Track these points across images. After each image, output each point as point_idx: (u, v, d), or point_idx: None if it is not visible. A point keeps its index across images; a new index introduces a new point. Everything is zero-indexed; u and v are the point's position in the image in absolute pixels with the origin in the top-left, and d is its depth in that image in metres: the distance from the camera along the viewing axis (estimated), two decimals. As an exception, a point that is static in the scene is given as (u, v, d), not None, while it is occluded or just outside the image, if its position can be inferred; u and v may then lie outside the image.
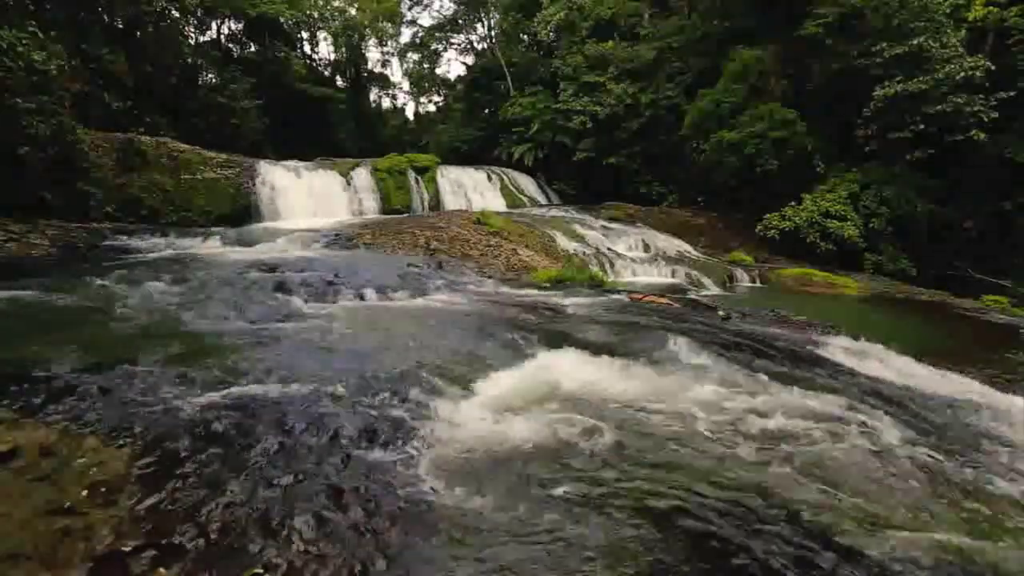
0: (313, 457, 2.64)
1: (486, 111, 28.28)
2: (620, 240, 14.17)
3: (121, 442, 2.62)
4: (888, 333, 6.80)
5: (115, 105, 15.29)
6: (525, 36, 29.22)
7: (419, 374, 3.77)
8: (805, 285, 12.15)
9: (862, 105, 14.60)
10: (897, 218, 14.21)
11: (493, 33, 31.27)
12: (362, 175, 16.82)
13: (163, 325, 4.80)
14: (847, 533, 2.32)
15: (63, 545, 1.96)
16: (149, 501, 2.23)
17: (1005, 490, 2.81)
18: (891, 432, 3.35)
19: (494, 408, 3.37)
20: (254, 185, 14.04)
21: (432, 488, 2.48)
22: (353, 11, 34.62)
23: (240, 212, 13.50)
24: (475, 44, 33.57)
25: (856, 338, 5.97)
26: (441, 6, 44.90)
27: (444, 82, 39.32)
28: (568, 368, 4.06)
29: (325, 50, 39.37)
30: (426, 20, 40.15)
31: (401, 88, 42.21)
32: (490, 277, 8.74)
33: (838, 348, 5.47)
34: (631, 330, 5.49)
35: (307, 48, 34.18)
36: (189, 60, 21.43)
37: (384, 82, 40.78)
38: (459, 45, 34.58)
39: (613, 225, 15.52)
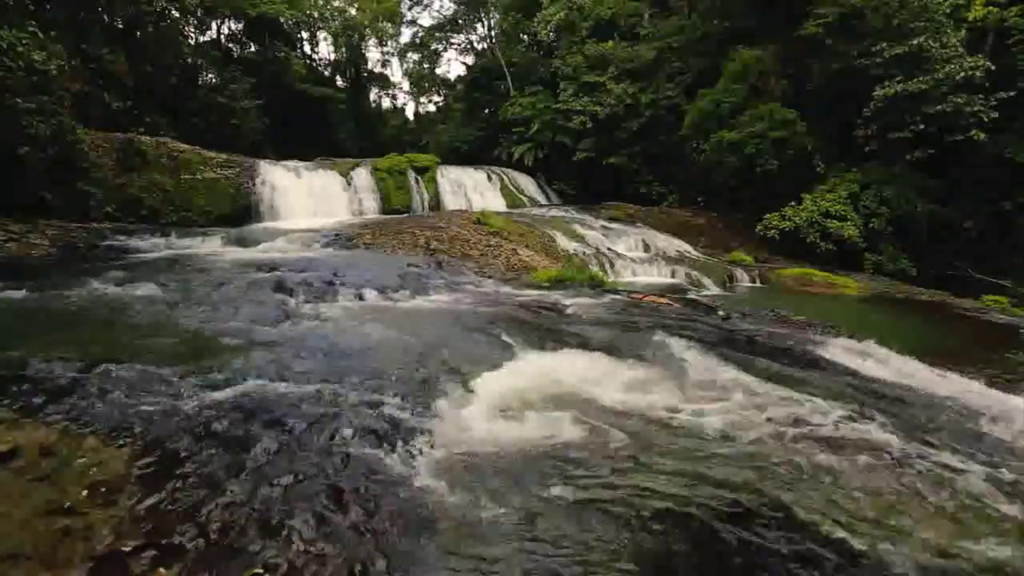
0: (313, 457, 2.64)
1: (486, 111, 28.28)
2: (620, 240, 14.17)
3: (121, 442, 2.62)
4: (888, 333, 6.80)
5: (115, 105, 15.30)
6: (525, 36, 29.21)
7: (419, 374, 3.77)
8: (805, 285, 12.15)
9: (862, 105, 14.59)
10: (897, 218, 14.21)
11: (493, 33, 31.28)
12: (362, 175, 16.82)
13: (163, 325, 4.80)
14: (847, 533, 2.32)
15: (63, 545, 1.96)
16: (149, 501, 2.23)
17: (1005, 490, 2.80)
18: (891, 432, 3.34)
19: (494, 408, 3.37)
20: (254, 185, 14.04)
21: (432, 488, 2.48)
22: (353, 11, 34.62)
23: (240, 212, 13.50)
24: (475, 44, 33.61)
25: (856, 338, 5.97)
26: (441, 6, 44.88)
27: (444, 82, 39.34)
28: (568, 368, 4.06)
29: (325, 50, 39.40)
30: (426, 20, 40.18)
31: (401, 88, 42.27)
32: (490, 277, 8.74)
33: (838, 348, 5.47)
34: (631, 330, 5.49)
35: (307, 48, 34.22)
36: (189, 60, 21.43)
37: (384, 82, 40.80)
38: (459, 45, 34.61)
39: (613, 225, 15.52)
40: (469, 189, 18.91)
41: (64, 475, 2.33)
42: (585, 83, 21.83)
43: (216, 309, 5.39)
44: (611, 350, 4.59)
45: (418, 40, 35.33)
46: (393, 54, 39.27)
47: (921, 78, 13.63)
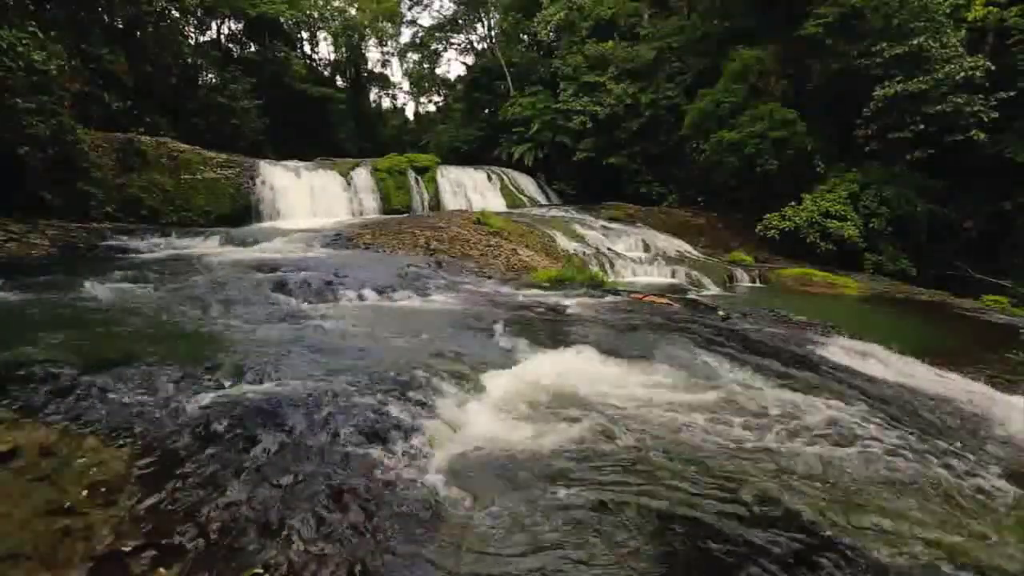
0: (313, 457, 2.64)
1: (486, 111, 28.28)
2: (620, 240, 14.17)
3: (121, 442, 2.62)
4: (888, 333, 6.80)
5: (115, 105, 15.29)
6: (525, 36, 29.22)
7: (419, 374, 3.77)
8: (805, 285, 12.15)
9: (862, 105, 14.60)
10: (897, 218, 14.21)
11: (493, 33, 31.28)
12: (362, 175, 16.83)
13: (163, 325, 4.79)
14: (848, 534, 2.32)
15: (63, 545, 1.96)
16: (149, 501, 2.23)
17: (1005, 491, 2.80)
18: (891, 432, 3.34)
19: (494, 408, 3.37)
20: (254, 185, 14.05)
21: (433, 488, 2.48)
22: (353, 11, 34.63)
23: (240, 212, 13.50)
24: (475, 44, 33.62)
25: (856, 338, 5.97)
26: (441, 6, 44.90)
27: (444, 82, 39.35)
28: (568, 368, 4.07)
29: (325, 50, 39.42)
30: (426, 20, 40.20)
31: (401, 88, 42.28)
32: (490, 277, 8.74)
33: (838, 348, 5.47)
34: (631, 330, 5.49)
35: (307, 48, 34.23)
36: (189, 60, 21.44)
37: (384, 82, 40.81)
38: (459, 45, 34.62)
39: (613, 225, 15.52)
40: (469, 189, 18.91)
41: (64, 475, 2.33)
42: (585, 83, 21.83)
43: (216, 309, 5.39)
44: (611, 350, 4.58)
45: (418, 40, 35.35)
46: (393, 54, 39.33)
47: (921, 78, 13.64)
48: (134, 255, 8.72)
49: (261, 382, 3.46)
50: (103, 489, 2.27)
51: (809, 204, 14.49)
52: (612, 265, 12.05)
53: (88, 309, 5.10)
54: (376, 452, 2.73)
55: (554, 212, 17.21)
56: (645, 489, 2.56)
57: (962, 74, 13.41)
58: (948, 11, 14.22)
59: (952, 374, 5.15)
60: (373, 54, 39.43)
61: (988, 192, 14.80)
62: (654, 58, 20.40)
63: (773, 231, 14.83)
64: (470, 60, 33.36)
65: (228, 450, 2.64)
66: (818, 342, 5.67)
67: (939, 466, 2.97)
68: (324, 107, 29.58)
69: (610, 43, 21.87)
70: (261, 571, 1.91)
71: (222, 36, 26.76)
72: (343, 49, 34.91)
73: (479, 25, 32.06)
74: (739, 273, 12.72)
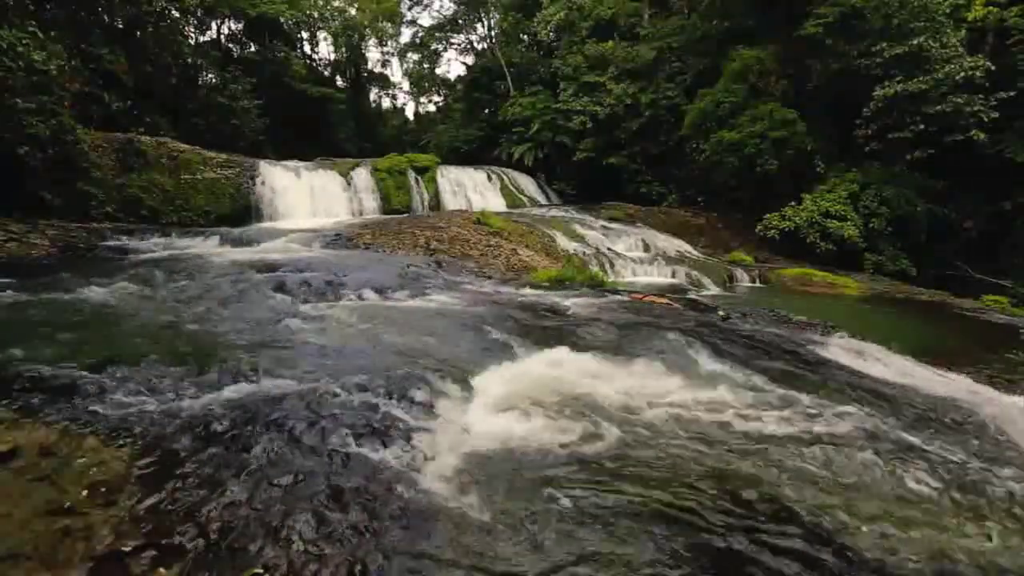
0: (313, 457, 2.64)
1: (486, 111, 28.29)
2: (620, 240, 14.18)
3: (121, 442, 2.62)
4: (888, 333, 6.80)
5: (115, 105, 15.30)
6: (525, 36, 29.23)
7: (419, 374, 3.77)
8: (805, 285, 12.15)
9: (862, 105, 14.60)
10: (897, 218, 14.21)
11: (493, 33, 31.28)
12: (362, 175, 16.83)
13: (163, 325, 4.79)
14: (847, 533, 2.32)
15: (63, 545, 1.96)
16: (149, 501, 2.23)
17: (1005, 491, 2.80)
18: (891, 432, 3.35)
19: (494, 408, 3.37)
20: (254, 185, 14.05)
21: (433, 488, 2.48)
22: (353, 11, 34.66)
23: (240, 212, 13.51)
24: (475, 44, 33.61)
25: (856, 338, 5.97)
26: (441, 6, 44.97)
27: (444, 82, 39.36)
28: (568, 368, 4.06)
29: (325, 50, 39.45)
30: (426, 20, 40.19)
31: (401, 88, 42.31)
32: (490, 277, 8.74)
33: (838, 348, 5.47)
34: (631, 330, 5.49)
35: (307, 48, 34.25)
36: (189, 60, 21.43)
37: (384, 82, 40.83)
38: (459, 45, 34.61)
39: (613, 225, 15.52)
40: (469, 189, 18.92)
41: (64, 475, 2.33)
42: (585, 83, 21.84)
43: (216, 309, 5.39)
44: (611, 350, 4.59)
45: (418, 40, 35.35)
46: (393, 54, 39.37)
47: (921, 78, 13.64)
48: (134, 255, 8.72)
49: (261, 382, 3.46)
50: (103, 489, 2.27)
51: (809, 204, 14.49)
52: (612, 265, 12.06)
53: (88, 309, 5.10)
54: (376, 452, 2.73)
55: (554, 212, 17.21)
56: (645, 488, 2.56)
57: (962, 74, 13.41)
58: (948, 11, 14.22)
59: (952, 374, 5.14)
60: (373, 54, 39.53)
61: (988, 192, 14.81)
62: (654, 58, 20.40)
63: (773, 231, 14.83)
64: (470, 60, 33.40)
65: (228, 450, 2.64)
66: (818, 342, 5.67)
67: (940, 466, 2.97)
68: (324, 107, 29.59)
69: (610, 43, 21.87)
70: (261, 571, 1.91)
71: (222, 36, 26.77)
72: (343, 49, 34.93)
73: (479, 25, 32.08)
74: (739, 273, 12.72)
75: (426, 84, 40.08)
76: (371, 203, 16.39)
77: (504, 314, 5.85)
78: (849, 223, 13.97)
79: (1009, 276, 13.94)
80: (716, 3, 18.83)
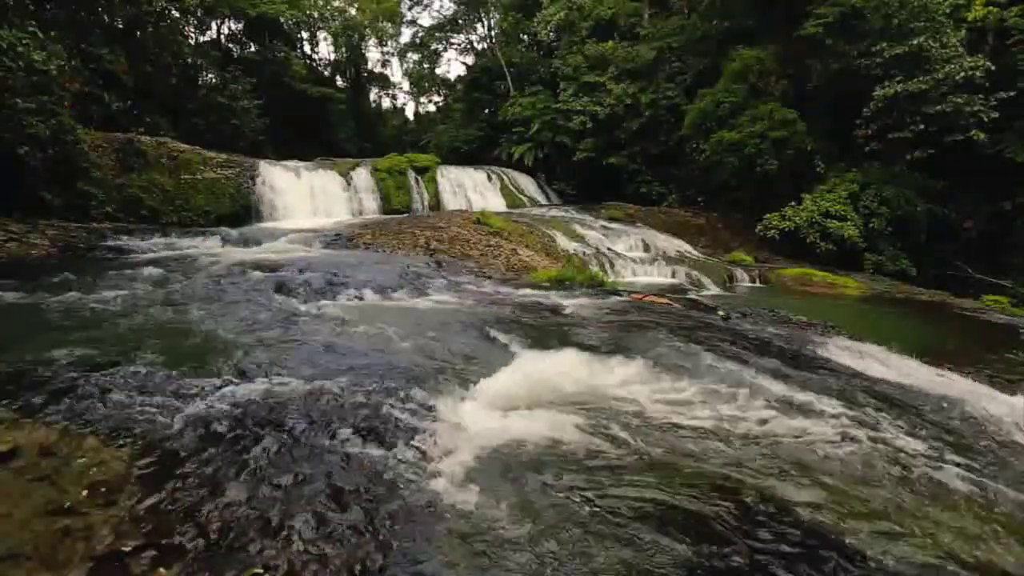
0: (313, 457, 2.64)
1: (486, 111, 28.29)
2: (620, 240, 14.18)
3: (121, 442, 2.62)
4: (888, 333, 6.80)
5: (115, 105, 15.30)
6: (525, 36, 29.23)
7: (419, 373, 3.77)
8: (805, 285, 12.15)
9: (862, 105, 14.61)
10: (897, 218, 14.22)
11: (493, 33, 31.28)
12: (362, 175, 16.83)
13: (163, 325, 4.80)
14: (847, 533, 2.32)
15: (63, 545, 1.95)
16: (149, 501, 2.22)
17: (1004, 491, 2.80)
18: (891, 432, 3.35)
19: (494, 408, 3.37)
20: (254, 185, 14.05)
21: (433, 488, 2.48)
22: (353, 11, 34.66)
23: (240, 212, 13.51)
24: (475, 44, 33.61)
25: (856, 338, 5.97)
26: (441, 6, 45.01)
27: (444, 82, 39.35)
28: (568, 368, 4.06)
29: (325, 50, 39.46)
30: (426, 20, 40.22)
31: (401, 88, 42.31)
32: (490, 277, 8.74)
33: (838, 348, 5.47)
34: (631, 330, 5.49)
35: (307, 48, 34.25)
36: (189, 60, 21.43)
37: (384, 82, 40.83)
38: (459, 45, 34.61)
39: (613, 225, 15.53)
40: (469, 189, 18.92)
41: (64, 475, 2.33)
42: (585, 83, 21.84)
43: (216, 309, 5.39)
44: (611, 350, 4.58)
45: (418, 40, 35.35)
46: (393, 54, 39.37)
47: (921, 78, 13.64)
48: (134, 255, 8.72)
49: (261, 382, 3.46)
50: (103, 489, 2.27)
51: (809, 204, 14.49)
52: (612, 265, 12.06)
53: (88, 309, 5.10)
54: (376, 451, 2.73)
55: (554, 212, 17.22)
56: (644, 487, 2.56)
57: (962, 74, 13.42)
58: (948, 11, 14.22)
59: (952, 374, 5.15)
60: (373, 54, 39.54)
61: (988, 192, 14.81)
62: (654, 58, 20.40)
63: (773, 231, 14.83)
64: (470, 60, 33.39)
65: (228, 450, 2.64)
66: (818, 342, 5.67)
67: (939, 466, 2.97)
68: (324, 107, 29.59)
69: (610, 43, 21.87)
70: (261, 571, 1.91)
71: (222, 36, 26.77)
72: (343, 49, 34.93)
73: (479, 25, 32.08)
74: (739, 273, 12.72)
75: (426, 84, 40.08)
76: (371, 203, 16.40)
77: (504, 314, 5.85)
78: (849, 223, 13.97)
79: (1009, 276, 13.95)
80: (716, 3, 18.84)
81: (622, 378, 3.98)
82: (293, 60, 29.06)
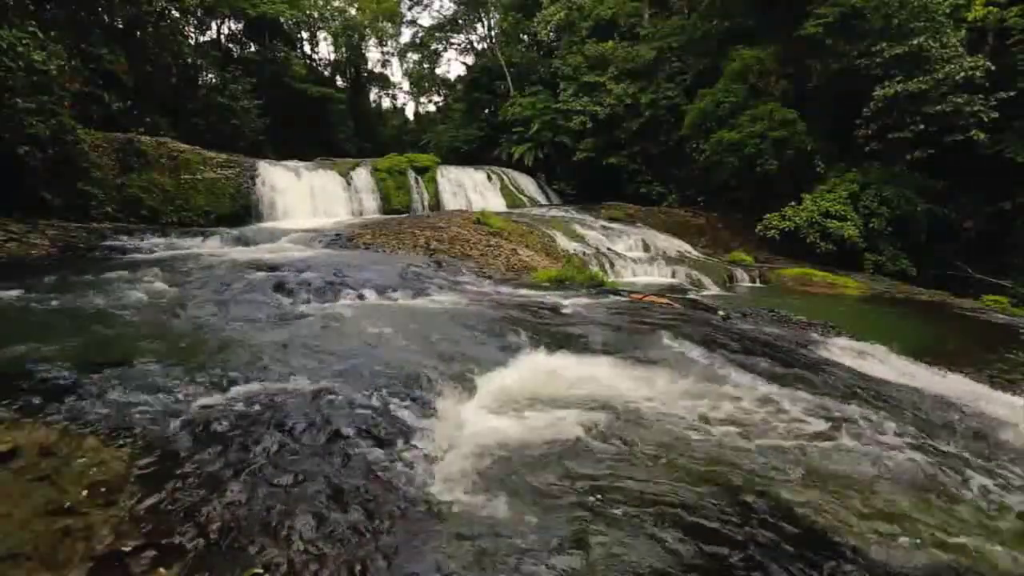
0: (313, 457, 2.64)
1: (486, 111, 28.30)
2: (620, 240, 14.18)
3: (121, 442, 2.62)
4: (888, 333, 6.80)
5: (115, 105, 15.31)
6: (525, 36, 29.24)
7: (419, 373, 3.77)
8: (805, 285, 12.15)
9: (862, 105, 14.60)
10: (897, 218, 14.22)
11: (493, 33, 31.29)
12: (362, 175, 16.84)
13: (163, 325, 4.80)
14: (847, 533, 2.32)
15: (63, 545, 1.96)
16: (149, 501, 2.22)
17: (1005, 491, 2.80)
18: (891, 433, 3.34)
19: (494, 408, 3.37)
20: (254, 185, 14.06)
21: (433, 488, 2.48)
22: (353, 11, 34.68)
23: (240, 212, 13.51)
24: (475, 44, 33.62)
25: (856, 338, 5.97)
26: (441, 6, 45.01)
27: (444, 82, 39.37)
28: (568, 368, 4.07)
29: (325, 50, 39.45)
30: (426, 20, 40.21)
31: (401, 88, 42.32)
32: (490, 277, 8.74)
33: (838, 348, 5.47)
34: (631, 330, 5.49)
35: (307, 48, 34.27)
36: (189, 60, 21.44)
37: (384, 82, 40.84)
38: (459, 45, 34.62)
39: (613, 225, 15.53)
40: (469, 189, 18.92)
41: (64, 475, 2.33)
42: (585, 83, 21.84)
43: (216, 309, 5.39)
44: (611, 350, 4.58)
45: (418, 40, 35.36)
46: (393, 54, 39.39)
47: (921, 78, 13.64)
48: (134, 255, 8.71)
49: (261, 382, 3.46)
50: (103, 489, 2.27)
51: (809, 204, 14.49)
52: (612, 265, 12.06)
53: (88, 309, 5.10)
54: (376, 451, 2.73)
55: (554, 212, 17.22)
56: (644, 488, 2.56)
57: (962, 74, 13.41)
58: (948, 11, 14.22)
59: (952, 374, 5.14)
60: (373, 54, 39.54)
61: (988, 192, 14.81)
62: (654, 58, 20.41)
63: (773, 231, 14.83)
64: (470, 60, 33.40)
65: (228, 450, 2.64)
66: (818, 342, 5.67)
67: (940, 467, 2.97)
68: (324, 107, 29.60)
69: (610, 43, 21.88)
70: (261, 571, 1.91)
71: (222, 36, 26.78)
72: (343, 49, 34.94)
73: (479, 25, 32.09)
74: (739, 273, 12.72)
75: (426, 84, 40.09)
76: (371, 203, 16.40)
77: (504, 314, 5.85)
78: (849, 223, 13.97)
79: (1009, 276, 13.95)
80: (716, 3, 18.84)
81: (621, 378, 3.98)
82: (293, 60, 29.07)
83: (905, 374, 4.88)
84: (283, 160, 16.86)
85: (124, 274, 6.58)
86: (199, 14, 22.65)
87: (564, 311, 6.29)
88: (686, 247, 14.86)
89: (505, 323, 5.38)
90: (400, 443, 2.83)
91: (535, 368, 4.05)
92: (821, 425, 3.35)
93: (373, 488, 2.44)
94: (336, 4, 34.16)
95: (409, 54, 38.07)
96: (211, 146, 15.79)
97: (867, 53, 14.43)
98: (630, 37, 22.55)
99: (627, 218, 16.81)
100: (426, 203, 17.54)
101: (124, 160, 12.14)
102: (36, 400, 2.94)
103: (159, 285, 6.22)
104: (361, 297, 6.36)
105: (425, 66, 38.00)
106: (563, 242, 12.76)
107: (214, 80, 22.85)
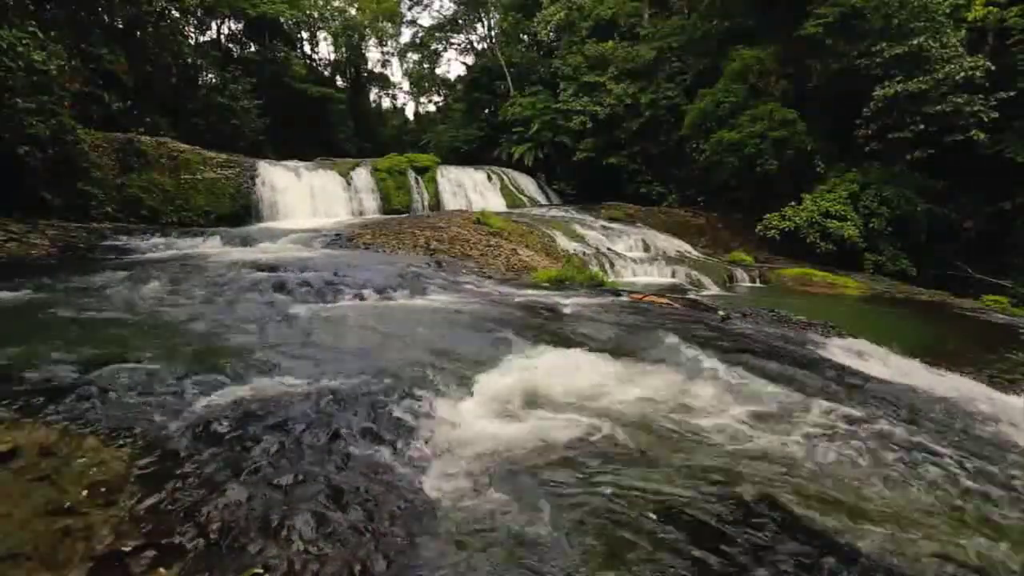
0: (313, 457, 2.64)
1: (486, 111, 28.30)
2: (620, 240, 14.18)
3: (121, 442, 2.62)
4: (888, 333, 6.80)
5: (115, 105, 15.32)
6: (525, 36, 29.25)
7: (419, 374, 3.77)
8: (805, 285, 12.15)
9: (862, 105, 14.61)
10: (897, 218, 14.22)
11: (493, 33, 31.29)
12: (362, 175, 16.84)
13: (163, 325, 4.80)
14: (847, 533, 2.32)
15: (63, 545, 1.95)
16: (149, 501, 2.22)
17: (1006, 492, 2.80)
18: (891, 433, 3.34)
19: (494, 408, 3.37)
20: (254, 185, 14.06)
21: (432, 488, 2.48)
22: (353, 11, 34.69)
23: (240, 212, 13.52)
24: (475, 44, 33.64)
25: (856, 338, 5.97)
26: (441, 6, 45.06)
27: (444, 82, 39.38)
28: (567, 368, 4.06)
29: (325, 50, 39.49)
30: (426, 20, 40.26)
31: (401, 88, 42.34)
32: (490, 277, 8.73)
33: (838, 348, 5.47)
34: (631, 330, 5.49)
35: (307, 48, 34.28)
36: (189, 60, 21.45)
37: (384, 82, 40.86)
38: (459, 45, 34.64)
39: (613, 225, 15.53)
40: (469, 189, 18.93)
41: (64, 475, 2.33)
42: (585, 83, 21.85)
43: (216, 309, 5.39)
44: (611, 350, 4.58)
45: (418, 40, 35.38)
46: (393, 54, 39.41)
47: (921, 78, 13.65)
48: (134, 255, 8.72)
49: (261, 382, 3.46)
50: (103, 489, 2.27)
51: (809, 204, 14.50)
52: (612, 265, 12.06)
53: (88, 309, 5.10)
54: (376, 451, 2.73)
55: (554, 212, 17.22)
56: (643, 488, 2.56)
57: (962, 74, 13.42)
58: (948, 11, 14.23)
59: (952, 374, 5.14)
60: (373, 54, 39.57)
61: (988, 192, 14.82)
62: (654, 58, 20.41)
63: (773, 231, 14.83)
64: (470, 60, 33.41)
65: (228, 450, 2.64)
66: (818, 342, 5.67)
67: (939, 467, 2.97)
68: (324, 107, 29.61)
69: (610, 43, 21.88)
70: (261, 571, 1.91)
71: (222, 36, 26.79)
72: (343, 49, 34.95)
73: (479, 25, 32.10)
74: (739, 273, 12.72)
75: (426, 84, 40.10)
76: (371, 203, 16.40)
77: (504, 314, 5.85)
78: (849, 223, 13.97)
79: (1009, 276, 13.95)
80: (716, 3, 18.85)
81: (620, 378, 3.98)
82: (293, 60, 29.08)
83: (905, 374, 4.88)
84: (283, 160, 16.86)
85: (124, 274, 6.57)
86: (199, 14, 22.66)
87: (564, 311, 6.29)
88: (686, 247, 14.86)
89: (505, 323, 5.38)
90: (400, 443, 2.83)
91: (534, 368, 4.05)
92: (821, 425, 3.35)
93: (373, 488, 2.44)
94: (336, 4, 34.20)
95: (409, 54, 38.12)
96: (211, 146, 15.80)
97: (867, 53, 14.44)
98: (630, 37, 22.56)
99: (627, 218, 16.81)
100: (426, 203, 17.54)
101: (124, 160, 12.14)
102: (36, 400, 2.94)
103: (159, 285, 6.21)
104: (361, 297, 6.36)
105: (425, 66, 38.03)
106: (563, 242, 12.77)
107: (214, 80, 22.85)
